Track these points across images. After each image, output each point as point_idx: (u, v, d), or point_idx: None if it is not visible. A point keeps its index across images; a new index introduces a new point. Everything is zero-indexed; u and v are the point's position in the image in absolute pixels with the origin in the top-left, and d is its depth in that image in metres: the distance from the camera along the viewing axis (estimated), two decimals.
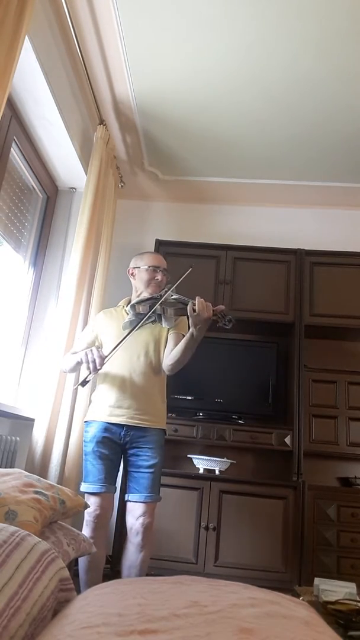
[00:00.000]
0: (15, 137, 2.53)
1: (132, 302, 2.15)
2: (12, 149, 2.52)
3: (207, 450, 3.05)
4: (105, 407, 2.09)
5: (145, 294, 2.20)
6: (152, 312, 2.04)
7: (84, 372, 2.17)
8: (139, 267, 2.27)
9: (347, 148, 3.05)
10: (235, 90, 2.65)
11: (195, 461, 2.89)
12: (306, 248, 3.24)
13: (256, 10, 2.17)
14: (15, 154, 2.64)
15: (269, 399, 3.06)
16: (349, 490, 2.84)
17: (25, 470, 2.06)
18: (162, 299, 2.03)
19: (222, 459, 2.84)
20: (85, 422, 2.15)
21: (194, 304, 1.90)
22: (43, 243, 3.05)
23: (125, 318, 2.17)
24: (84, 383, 2.04)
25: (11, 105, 2.44)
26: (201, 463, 2.86)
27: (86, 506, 1.78)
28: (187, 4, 2.17)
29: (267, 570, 2.61)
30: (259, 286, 3.18)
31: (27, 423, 2.54)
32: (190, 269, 2.06)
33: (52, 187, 3.14)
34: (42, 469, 2.38)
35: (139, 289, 2.27)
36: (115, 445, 2.07)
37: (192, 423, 2.94)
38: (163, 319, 2.09)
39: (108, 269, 3.06)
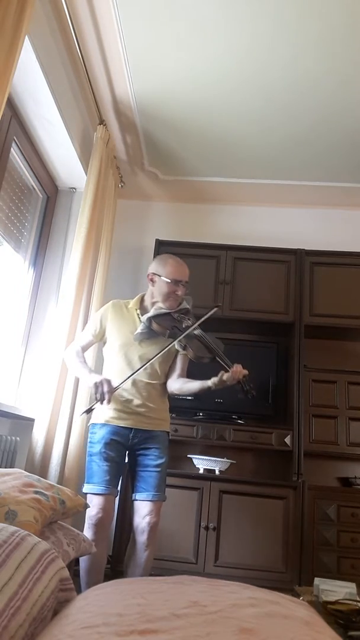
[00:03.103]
0: (15, 137, 2.53)
1: (148, 315, 2.12)
2: (12, 149, 2.52)
3: (207, 450, 3.05)
4: (113, 411, 2.09)
5: (162, 306, 2.17)
6: (173, 340, 2.09)
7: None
8: (160, 276, 2.17)
9: (347, 148, 3.05)
10: (235, 90, 2.65)
11: (195, 461, 2.88)
12: (306, 248, 3.24)
13: (256, 10, 2.17)
14: (15, 154, 2.64)
15: (269, 399, 3.06)
16: (349, 490, 2.84)
17: (25, 470, 2.05)
18: (185, 334, 2.07)
19: (222, 459, 2.83)
20: (92, 424, 2.13)
21: (228, 369, 2.05)
22: (43, 243, 3.05)
23: (137, 326, 2.15)
24: (90, 411, 2.11)
25: (11, 105, 2.44)
26: (201, 463, 2.86)
27: (86, 506, 1.77)
28: (187, 4, 2.17)
29: (267, 570, 2.60)
30: (259, 286, 3.18)
31: (27, 423, 2.54)
32: (215, 309, 2.16)
33: (52, 187, 3.14)
34: (42, 469, 2.38)
35: (156, 297, 2.21)
36: (122, 447, 2.08)
37: (192, 423, 2.94)
38: (177, 344, 2.12)
39: (108, 269, 3.06)
